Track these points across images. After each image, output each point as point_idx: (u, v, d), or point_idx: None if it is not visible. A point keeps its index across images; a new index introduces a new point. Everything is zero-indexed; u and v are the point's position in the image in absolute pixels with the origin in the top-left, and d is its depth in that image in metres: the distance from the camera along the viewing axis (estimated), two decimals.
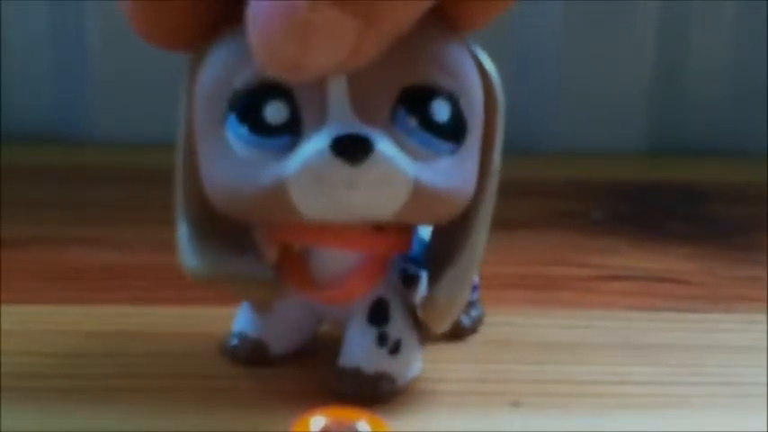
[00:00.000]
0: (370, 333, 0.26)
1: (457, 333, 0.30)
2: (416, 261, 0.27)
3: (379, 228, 0.26)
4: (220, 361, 0.28)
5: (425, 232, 0.28)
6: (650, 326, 0.32)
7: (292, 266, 0.27)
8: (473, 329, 0.31)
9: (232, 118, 0.24)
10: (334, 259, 0.26)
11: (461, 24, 0.25)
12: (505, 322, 0.31)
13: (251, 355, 0.28)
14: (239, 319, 0.29)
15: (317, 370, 0.28)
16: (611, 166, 0.49)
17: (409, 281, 0.27)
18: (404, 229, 0.26)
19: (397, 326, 0.26)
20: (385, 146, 0.23)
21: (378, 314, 0.26)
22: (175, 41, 0.25)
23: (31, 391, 0.26)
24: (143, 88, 0.49)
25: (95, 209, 0.41)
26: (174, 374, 0.28)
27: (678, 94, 0.53)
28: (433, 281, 0.26)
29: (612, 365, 0.29)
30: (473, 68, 0.25)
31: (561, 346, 0.30)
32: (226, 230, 0.26)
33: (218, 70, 0.24)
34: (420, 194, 0.23)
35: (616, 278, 0.36)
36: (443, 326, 0.26)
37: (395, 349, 0.26)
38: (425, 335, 0.27)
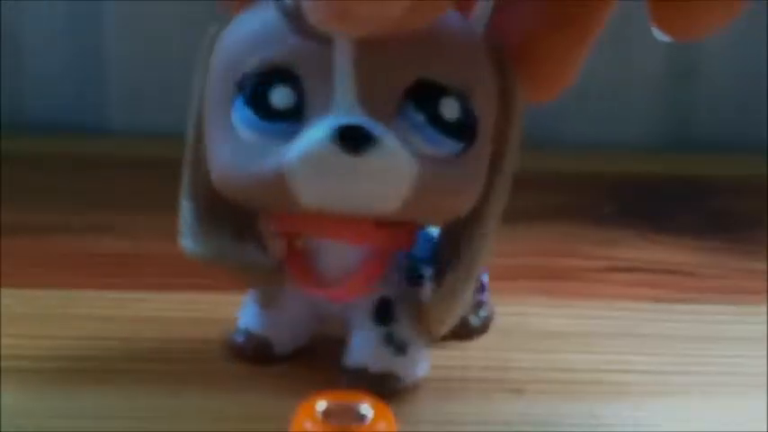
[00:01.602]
0: (376, 332, 0.26)
1: (466, 333, 0.30)
2: (424, 260, 0.27)
3: (380, 223, 0.25)
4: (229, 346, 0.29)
5: (435, 231, 0.27)
6: (655, 317, 0.32)
7: (296, 263, 0.26)
8: (482, 330, 0.30)
9: (239, 100, 0.24)
10: (337, 256, 0.26)
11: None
12: (512, 312, 0.31)
13: (255, 353, 0.28)
14: (244, 315, 0.28)
15: (318, 369, 0.28)
16: (621, 160, 0.49)
17: (416, 280, 0.27)
18: (405, 226, 0.26)
19: (403, 325, 0.26)
20: (387, 138, 0.23)
21: (382, 313, 0.26)
22: None
23: (44, 372, 0.27)
24: (158, 79, 0.50)
25: (110, 197, 0.41)
26: (183, 359, 0.28)
27: (689, 88, 0.53)
28: (436, 282, 0.26)
29: (615, 354, 0.29)
30: (488, 66, 0.25)
31: (566, 336, 0.30)
32: (229, 215, 0.26)
33: (232, 49, 0.24)
34: (421, 191, 0.23)
35: (623, 270, 0.36)
36: (443, 329, 0.26)
37: (401, 349, 0.26)
38: (432, 336, 0.27)
